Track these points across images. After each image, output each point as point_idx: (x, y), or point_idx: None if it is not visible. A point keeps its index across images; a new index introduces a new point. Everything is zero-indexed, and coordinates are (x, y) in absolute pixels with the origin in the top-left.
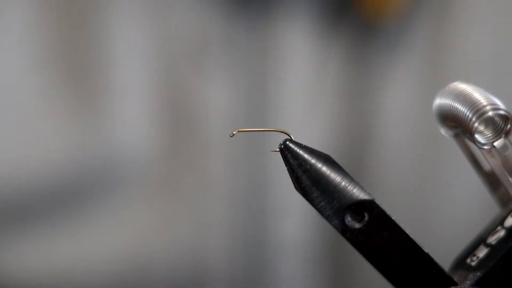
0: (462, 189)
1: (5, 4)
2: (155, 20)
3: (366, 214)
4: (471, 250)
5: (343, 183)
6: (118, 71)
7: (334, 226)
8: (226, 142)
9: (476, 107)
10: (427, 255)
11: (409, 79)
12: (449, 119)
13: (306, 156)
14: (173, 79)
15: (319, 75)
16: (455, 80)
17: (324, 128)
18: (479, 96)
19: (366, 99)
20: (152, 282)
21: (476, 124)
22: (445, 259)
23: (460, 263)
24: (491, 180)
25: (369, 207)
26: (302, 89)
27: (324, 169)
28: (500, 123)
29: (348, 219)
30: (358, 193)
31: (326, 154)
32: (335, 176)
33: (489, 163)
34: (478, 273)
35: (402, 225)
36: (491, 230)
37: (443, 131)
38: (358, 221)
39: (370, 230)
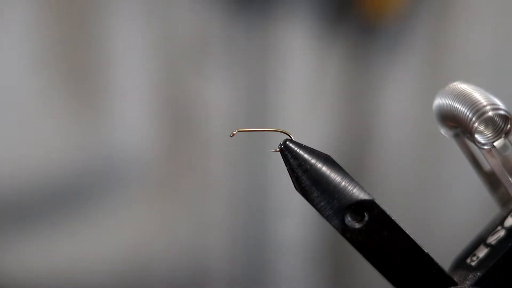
0: (462, 189)
1: (5, 4)
2: (155, 20)
3: (366, 214)
4: (471, 250)
5: (343, 183)
6: (118, 71)
7: (334, 226)
8: (226, 142)
9: (476, 107)
10: (427, 255)
11: (409, 79)
12: (449, 119)
13: (306, 156)
14: (173, 79)
15: (319, 75)
16: (455, 80)
17: (324, 128)
18: (479, 96)
19: (366, 99)
20: (152, 282)
21: (476, 124)
22: (445, 259)
23: (460, 263)
24: (491, 180)
25: (369, 207)
26: (302, 89)
27: (324, 169)
28: (500, 123)
29: (348, 219)
30: (358, 193)
31: (326, 154)
32: (335, 176)
33: (489, 163)
34: (478, 273)
35: (402, 225)
36: (491, 230)
37: (443, 131)
38: (358, 221)
39: (370, 230)
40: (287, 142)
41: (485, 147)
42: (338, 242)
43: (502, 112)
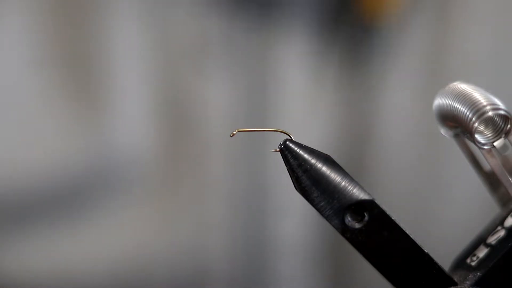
0: (462, 189)
1: (5, 4)
2: (155, 20)
3: (366, 214)
4: (471, 250)
5: (343, 183)
6: (118, 71)
7: (334, 226)
8: (226, 142)
9: (476, 107)
10: (427, 255)
11: (409, 79)
12: (449, 119)
13: (306, 156)
14: (173, 79)
15: (319, 75)
16: (455, 80)
17: (324, 128)
18: (479, 96)
19: (366, 99)
20: (152, 282)
21: (476, 124)
22: (445, 259)
23: (460, 263)
24: (491, 180)
25: (369, 207)
26: (302, 89)
27: (324, 169)
28: (500, 123)
29: (348, 219)
30: (358, 193)
31: (326, 154)
32: (335, 176)
33: (489, 163)
34: (478, 273)
35: (402, 225)
36: (491, 230)
37: (443, 131)
38: (358, 221)
39: (370, 230)
40: (287, 142)
41: (485, 147)
42: (338, 242)
43: (502, 112)
